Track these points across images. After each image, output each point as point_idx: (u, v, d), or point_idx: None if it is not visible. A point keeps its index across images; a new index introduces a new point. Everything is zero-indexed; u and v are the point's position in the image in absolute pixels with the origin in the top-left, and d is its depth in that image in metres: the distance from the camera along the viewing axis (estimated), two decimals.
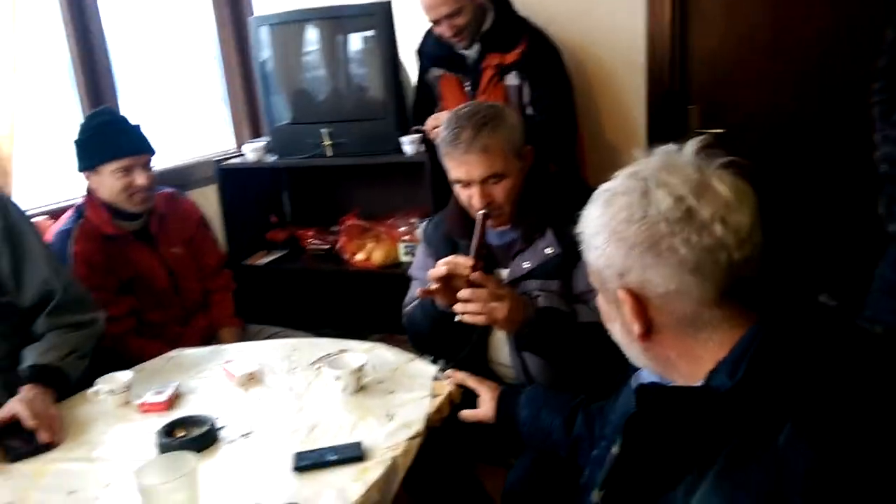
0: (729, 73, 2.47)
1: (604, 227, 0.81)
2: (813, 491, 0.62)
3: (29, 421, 1.37)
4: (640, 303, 0.79)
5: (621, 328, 0.85)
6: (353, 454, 1.21)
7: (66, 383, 1.54)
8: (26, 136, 2.09)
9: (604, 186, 0.85)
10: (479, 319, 1.47)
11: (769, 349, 0.73)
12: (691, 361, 0.79)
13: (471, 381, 1.44)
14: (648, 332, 0.81)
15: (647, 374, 0.90)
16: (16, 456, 1.33)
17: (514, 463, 1.53)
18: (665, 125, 2.51)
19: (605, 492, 0.81)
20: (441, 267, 1.51)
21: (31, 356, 1.54)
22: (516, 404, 1.35)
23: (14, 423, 1.38)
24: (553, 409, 1.29)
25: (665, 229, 0.75)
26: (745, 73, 2.44)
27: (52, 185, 2.31)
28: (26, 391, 1.45)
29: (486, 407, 1.39)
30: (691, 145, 0.81)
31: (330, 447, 1.24)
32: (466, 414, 1.42)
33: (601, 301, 0.89)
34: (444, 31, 2.25)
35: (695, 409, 0.71)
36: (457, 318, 1.50)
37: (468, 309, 1.47)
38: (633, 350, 0.86)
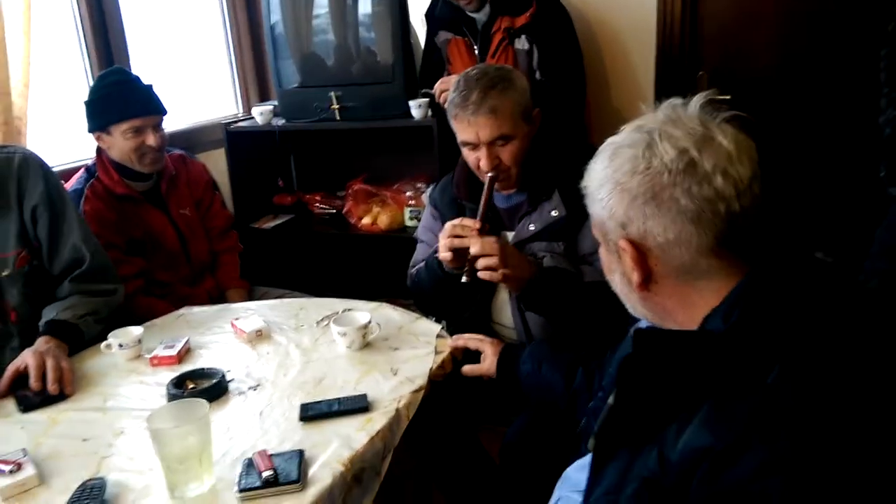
0: (738, 39, 2.45)
1: (608, 178, 0.83)
2: (796, 428, 0.64)
3: (37, 371, 1.40)
4: (641, 252, 0.82)
5: (621, 278, 0.87)
6: (358, 405, 1.24)
7: (81, 340, 1.58)
8: (38, 97, 2.10)
9: (609, 140, 0.86)
10: (496, 276, 1.49)
11: (763, 295, 0.76)
12: (688, 308, 0.82)
13: (472, 343, 1.47)
14: (647, 280, 0.83)
15: (646, 324, 0.92)
16: (27, 406, 1.37)
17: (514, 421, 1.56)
18: (673, 91, 2.48)
19: (599, 434, 0.83)
20: (452, 235, 1.53)
21: (50, 313, 1.58)
22: (518, 359, 1.38)
23: (27, 375, 1.42)
24: (554, 365, 1.32)
25: (667, 180, 0.77)
26: (753, 39, 2.42)
27: (59, 145, 2.32)
28: (40, 343, 1.49)
29: (488, 362, 1.42)
30: (697, 100, 0.83)
31: (336, 398, 1.28)
32: (468, 369, 1.45)
33: (603, 252, 0.91)
34: None
35: (689, 350, 0.73)
36: (463, 280, 1.52)
37: (482, 263, 1.49)
38: (632, 300, 0.89)
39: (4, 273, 1.63)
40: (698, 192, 0.76)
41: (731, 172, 0.76)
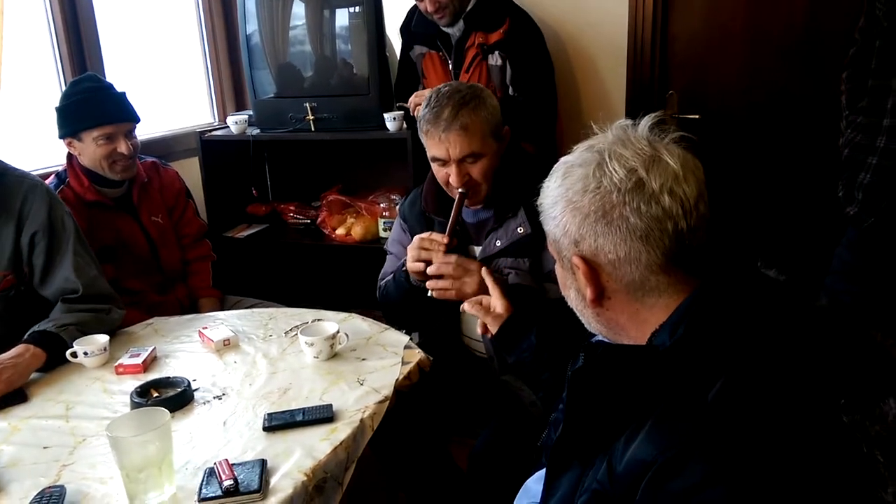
0: (707, 59, 2.51)
1: (560, 197, 0.85)
2: (736, 441, 0.67)
3: None
4: (593, 269, 0.84)
5: (576, 294, 0.90)
6: (322, 415, 1.25)
7: (62, 349, 1.54)
8: (8, 101, 2.09)
9: (563, 159, 0.89)
10: (450, 294, 1.52)
11: (708, 311, 0.78)
12: (640, 325, 0.84)
13: (489, 280, 1.45)
14: (600, 297, 0.86)
15: (601, 339, 0.94)
16: None
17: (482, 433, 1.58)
18: (643, 110, 2.54)
19: (554, 446, 0.85)
20: (419, 248, 1.57)
21: (35, 326, 1.57)
22: (527, 328, 1.36)
23: None
24: (554, 360, 1.32)
25: (617, 199, 0.80)
26: (722, 59, 2.48)
27: (29, 150, 2.30)
28: (15, 350, 1.48)
29: (499, 306, 1.40)
30: (646, 121, 0.86)
31: (301, 408, 1.28)
32: (469, 305, 1.44)
33: (558, 269, 0.93)
34: (425, 6, 2.26)
35: (636, 364, 0.76)
36: (429, 294, 1.54)
37: (439, 284, 1.52)
38: (586, 315, 0.91)
39: None
40: (646, 211, 0.79)
41: (677, 192, 0.79)
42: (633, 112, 2.79)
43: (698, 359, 0.73)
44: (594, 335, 0.95)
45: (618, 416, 0.75)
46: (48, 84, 2.36)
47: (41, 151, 2.28)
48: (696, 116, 2.51)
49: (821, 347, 0.76)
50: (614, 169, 0.81)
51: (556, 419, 1.16)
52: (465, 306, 1.44)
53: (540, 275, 1.60)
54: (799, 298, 0.84)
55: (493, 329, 1.39)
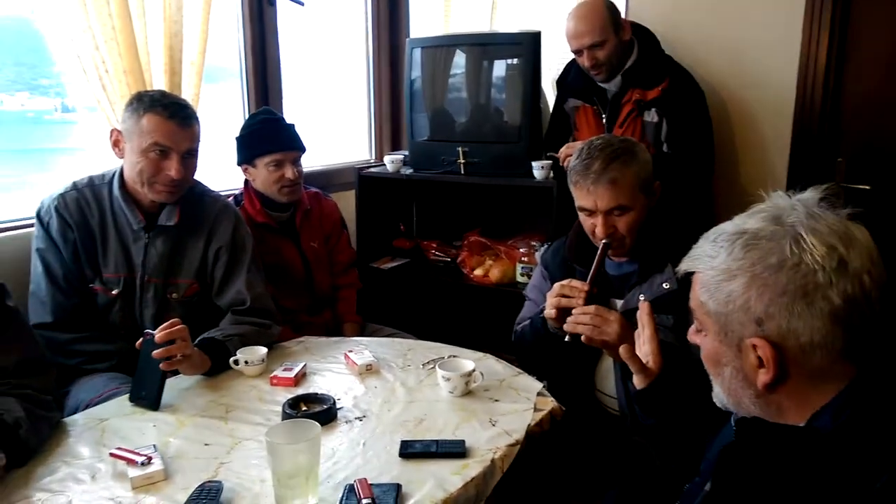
0: (881, 125, 2.35)
1: (742, 270, 0.79)
2: None
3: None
4: (778, 352, 0.78)
5: (735, 373, 0.84)
6: (456, 449, 1.29)
7: (226, 357, 1.68)
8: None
9: (733, 229, 0.83)
10: (590, 332, 1.50)
11: (876, 394, 0.73)
12: (804, 409, 0.79)
13: (650, 326, 1.29)
14: (778, 382, 0.79)
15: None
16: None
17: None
18: (807, 176, 2.42)
19: None
20: (559, 294, 1.56)
21: (205, 333, 1.74)
22: (674, 390, 1.25)
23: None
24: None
25: (822, 279, 0.74)
26: None
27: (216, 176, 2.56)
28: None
29: (652, 360, 1.27)
30: (814, 193, 0.81)
31: (434, 440, 1.33)
32: (625, 350, 1.28)
33: (712, 342, 0.87)
34: (583, 61, 2.31)
35: (794, 446, 0.72)
36: (567, 339, 1.54)
37: (578, 329, 1.51)
38: (740, 395, 0.85)
39: (174, 295, 1.84)
40: (852, 293, 0.74)
41: (874, 273, 0.75)
42: (795, 178, 2.68)
43: (864, 446, 0.69)
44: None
45: (770, 498, 0.71)
46: (237, 117, 2.65)
47: (228, 176, 2.54)
48: (867, 187, 2.34)
49: None
50: (813, 244, 0.75)
51: (689, 490, 1.12)
52: (622, 351, 1.29)
53: (684, 332, 1.56)
54: None
55: (640, 385, 1.29)
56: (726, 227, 0.85)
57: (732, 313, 0.80)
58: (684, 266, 0.87)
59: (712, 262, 0.83)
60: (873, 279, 0.74)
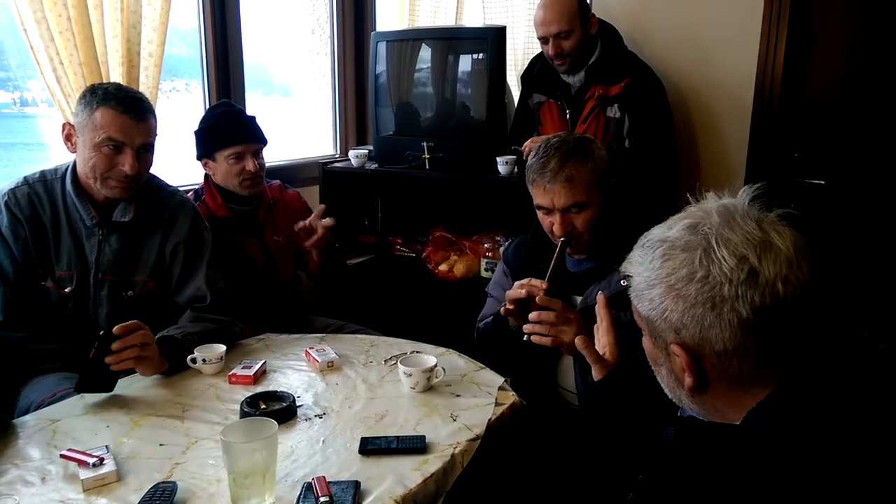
0: (837, 123, 2.40)
1: (660, 280, 0.80)
2: None
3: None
4: (695, 359, 0.79)
5: (668, 373, 0.85)
6: (416, 445, 1.29)
7: (184, 355, 1.64)
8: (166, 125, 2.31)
9: (658, 235, 0.83)
10: (546, 341, 1.52)
11: (798, 397, 0.74)
12: (737, 409, 0.79)
13: (607, 319, 1.31)
14: (701, 385, 0.80)
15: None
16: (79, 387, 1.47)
17: None
18: (765, 171, 2.47)
19: None
20: (519, 289, 1.57)
21: (163, 332, 1.70)
22: (631, 383, 1.24)
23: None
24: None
25: (728, 292, 0.74)
26: (853, 123, 2.37)
27: (174, 171, 2.51)
28: None
29: (609, 352, 1.28)
30: (746, 195, 0.80)
31: (395, 436, 1.32)
32: (581, 341, 1.31)
33: (647, 343, 0.88)
34: (548, 49, 2.32)
35: (732, 444, 0.72)
36: (525, 338, 1.55)
37: (536, 329, 1.52)
38: (678, 394, 0.87)
39: (129, 293, 1.80)
40: (761, 304, 0.74)
41: (791, 279, 0.74)
42: (753, 173, 2.72)
43: (796, 439, 0.70)
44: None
45: (707, 496, 0.71)
46: (198, 110, 2.60)
47: (185, 172, 2.50)
48: (822, 182, 2.40)
49: None
50: (723, 257, 0.75)
51: (643, 481, 1.13)
52: (578, 342, 1.31)
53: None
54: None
55: (598, 376, 1.30)
56: (654, 232, 0.85)
57: (656, 319, 0.81)
58: (623, 269, 0.88)
59: (640, 268, 0.84)
60: (790, 284, 0.74)
